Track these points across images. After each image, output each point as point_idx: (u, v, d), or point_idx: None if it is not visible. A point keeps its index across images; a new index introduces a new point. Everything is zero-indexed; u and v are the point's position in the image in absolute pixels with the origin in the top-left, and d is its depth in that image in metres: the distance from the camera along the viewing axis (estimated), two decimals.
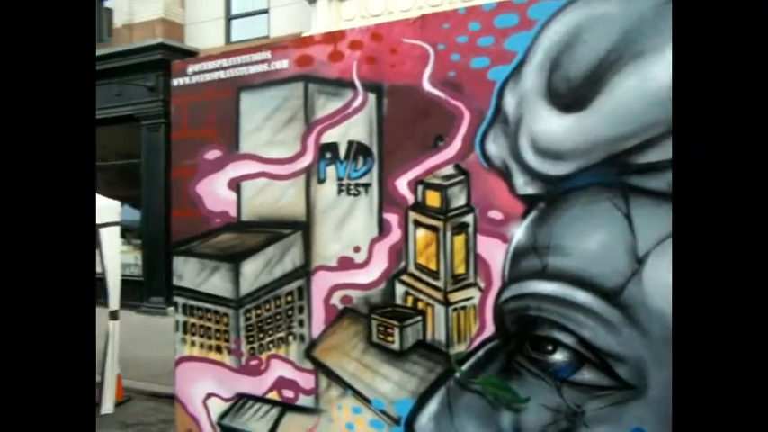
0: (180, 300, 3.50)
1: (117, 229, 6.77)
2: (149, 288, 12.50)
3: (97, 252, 6.88)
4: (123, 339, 7.06)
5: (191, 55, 11.07)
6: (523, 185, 2.49)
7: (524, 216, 2.49)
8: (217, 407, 3.40)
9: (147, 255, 12.67)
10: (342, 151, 2.93)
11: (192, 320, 3.45)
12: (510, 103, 2.51)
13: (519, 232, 2.49)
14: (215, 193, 3.32)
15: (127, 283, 8.13)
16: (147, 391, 7.32)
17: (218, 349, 3.37)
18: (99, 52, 12.52)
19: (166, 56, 11.21)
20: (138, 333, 9.93)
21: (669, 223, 2.10)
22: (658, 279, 2.20)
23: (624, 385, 2.29)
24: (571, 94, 2.38)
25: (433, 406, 2.71)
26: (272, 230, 3.14)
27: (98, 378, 6.80)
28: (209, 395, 3.42)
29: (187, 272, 3.45)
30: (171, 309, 11.43)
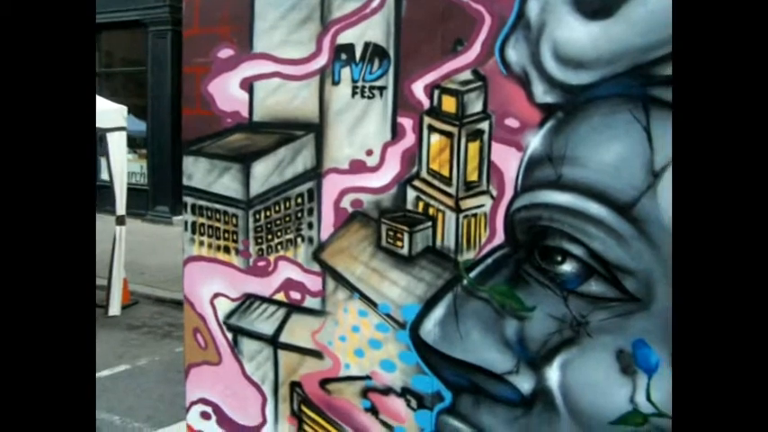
0: (189, 200, 3.49)
1: (123, 134, 6.74)
2: (155, 197, 12.57)
3: (103, 159, 6.88)
4: (129, 246, 7.13)
5: None
6: (542, 94, 2.43)
7: (541, 125, 2.44)
8: (224, 306, 3.45)
9: (152, 164, 12.68)
10: (358, 53, 2.85)
11: (201, 221, 3.46)
12: (533, 8, 2.43)
13: (535, 141, 2.46)
14: (227, 92, 3.26)
15: (132, 192, 8.15)
16: (153, 296, 7.47)
17: (227, 250, 3.38)
18: None
19: None
20: (144, 241, 10.05)
21: None
22: None
23: (630, 298, 2.29)
24: (599, 0, 2.30)
25: (439, 312, 2.74)
26: (284, 132, 3.10)
27: (104, 282, 6.93)
28: (217, 295, 3.46)
29: (197, 172, 3.43)
30: (176, 218, 11.54)
